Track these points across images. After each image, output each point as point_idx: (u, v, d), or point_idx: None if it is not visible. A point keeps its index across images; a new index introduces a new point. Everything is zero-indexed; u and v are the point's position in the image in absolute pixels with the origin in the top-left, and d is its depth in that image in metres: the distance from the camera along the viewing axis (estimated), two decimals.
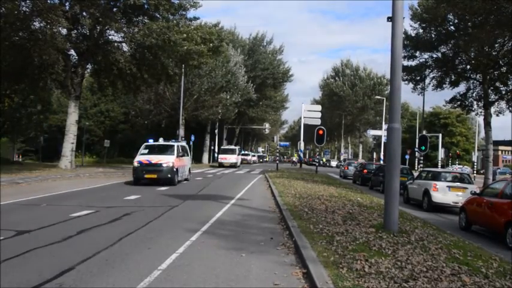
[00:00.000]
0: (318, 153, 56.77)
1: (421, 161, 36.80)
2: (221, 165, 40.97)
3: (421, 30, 26.48)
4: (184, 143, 23.26)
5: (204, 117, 45.28)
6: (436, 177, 15.87)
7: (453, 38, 25.13)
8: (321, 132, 29.26)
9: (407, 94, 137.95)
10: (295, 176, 25.84)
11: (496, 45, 23.79)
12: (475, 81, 26.52)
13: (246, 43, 57.11)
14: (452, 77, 27.16)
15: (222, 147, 47.67)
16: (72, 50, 26.61)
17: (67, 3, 24.59)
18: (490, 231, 10.34)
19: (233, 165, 41.10)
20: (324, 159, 68.43)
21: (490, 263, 6.34)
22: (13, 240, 7.28)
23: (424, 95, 31.71)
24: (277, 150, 50.03)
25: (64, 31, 23.90)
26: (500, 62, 24.53)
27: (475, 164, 47.23)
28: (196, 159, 47.45)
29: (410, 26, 28.05)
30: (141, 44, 25.06)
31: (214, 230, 8.59)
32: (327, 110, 59.91)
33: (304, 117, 30.63)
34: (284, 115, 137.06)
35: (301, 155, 41.91)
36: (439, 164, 39.52)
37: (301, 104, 32.33)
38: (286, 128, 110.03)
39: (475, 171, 43.38)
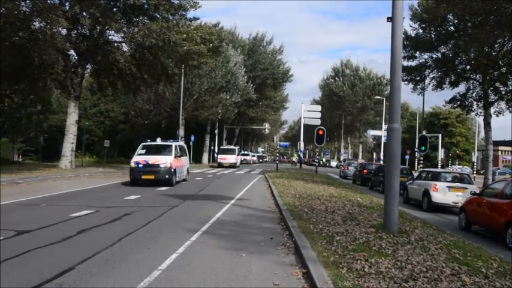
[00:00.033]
0: (317, 154, 56.79)
1: (421, 161, 36.80)
2: (220, 165, 40.83)
3: (421, 31, 26.48)
4: (182, 143, 23.02)
5: (204, 117, 45.27)
6: (436, 177, 15.88)
7: (453, 38, 25.13)
8: (320, 132, 29.27)
9: (407, 94, 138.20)
10: (295, 176, 25.84)
11: (496, 45, 23.79)
12: (474, 82, 26.53)
13: (246, 43, 57.12)
14: (452, 77, 27.17)
15: (221, 147, 47.62)
16: (72, 50, 26.61)
17: (67, 3, 24.59)
18: (490, 231, 10.35)
19: (232, 166, 40.99)
20: (324, 160, 68.43)
21: (490, 263, 6.34)
22: (13, 240, 7.28)
23: (424, 95, 31.76)
24: (277, 151, 50.02)
25: (64, 31, 23.89)
26: (500, 62, 24.53)
27: (475, 164, 47.25)
28: (196, 159, 47.47)
29: (410, 26, 28.11)
30: (141, 44, 25.06)
31: (214, 230, 8.59)
32: (327, 110, 59.94)
33: (304, 118, 30.61)
34: (284, 115, 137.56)
35: (301, 155, 41.89)
36: (439, 164, 39.52)
37: (301, 104, 32.35)
38: (286, 128, 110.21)
39: (474, 172, 43.39)
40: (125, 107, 51.09)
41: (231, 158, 41.80)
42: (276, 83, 61.63)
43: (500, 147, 70.38)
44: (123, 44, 26.90)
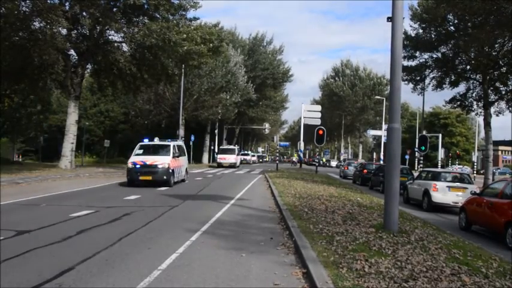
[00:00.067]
0: (317, 153, 56.81)
1: (421, 161, 36.82)
2: (220, 165, 40.72)
3: (421, 31, 26.48)
4: (181, 142, 22.71)
5: (204, 117, 45.27)
6: (436, 177, 15.88)
7: (453, 38, 25.13)
8: (320, 132, 29.27)
9: (407, 94, 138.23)
10: (295, 176, 25.84)
11: (496, 45, 23.78)
12: (475, 82, 26.53)
13: (246, 43, 57.12)
14: (452, 77, 27.17)
15: (220, 147, 47.57)
16: (72, 50, 26.60)
17: (67, 3, 24.58)
18: (490, 231, 10.35)
19: (232, 166, 40.92)
20: (324, 159, 68.43)
21: (490, 263, 6.34)
22: (13, 240, 7.28)
23: (424, 95, 31.78)
24: (277, 150, 50.02)
25: (64, 31, 23.88)
26: (500, 62, 24.53)
27: (475, 164, 47.24)
28: (196, 159, 47.47)
29: (410, 26, 28.12)
30: (141, 44, 25.05)
31: (214, 230, 8.59)
32: (327, 110, 59.94)
33: (304, 117, 30.62)
34: (284, 115, 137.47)
35: (301, 155, 41.90)
36: (439, 164, 39.52)
37: (301, 104, 32.36)
38: (286, 128, 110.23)
39: (475, 172, 43.38)
40: (125, 107, 51.09)
41: (230, 158, 41.72)
42: (276, 83, 61.64)
43: (500, 147, 70.39)
44: (123, 44, 26.90)
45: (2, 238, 7.22)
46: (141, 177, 17.20)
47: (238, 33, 57.98)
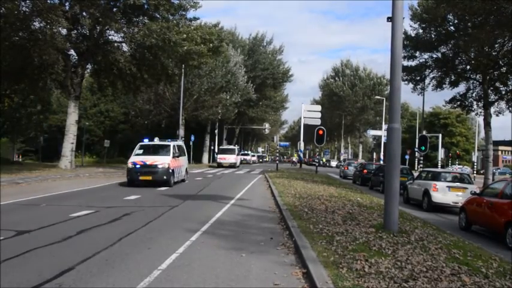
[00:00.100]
0: (317, 153, 56.81)
1: (421, 161, 36.81)
2: (220, 165, 40.70)
3: (421, 31, 26.47)
4: (181, 142, 22.65)
5: (204, 117, 45.27)
6: (436, 177, 15.88)
7: (453, 38, 25.13)
8: (320, 132, 29.27)
9: (407, 94, 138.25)
10: (295, 176, 25.84)
11: (496, 45, 23.78)
12: (474, 82, 26.53)
13: (246, 43, 57.13)
14: (452, 77, 27.16)
15: (220, 147, 47.57)
16: (72, 50, 26.60)
17: (67, 3, 24.59)
18: (490, 231, 10.35)
19: (232, 166, 40.90)
20: (324, 160, 68.43)
21: (490, 263, 6.34)
22: (13, 240, 7.28)
23: (424, 95, 31.77)
24: (277, 150, 50.04)
25: (64, 31, 23.88)
26: (500, 62, 24.53)
27: (475, 164, 47.24)
28: (196, 159, 47.48)
29: (410, 26, 28.11)
30: (141, 44, 25.05)
31: (214, 230, 8.59)
32: (327, 110, 59.94)
33: (304, 118, 30.62)
34: (284, 115, 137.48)
35: (301, 155, 41.89)
36: (439, 164, 39.52)
37: (301, 104, 32.35)
38: (286, 128, 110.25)
39: (475, 172, 43.38)
40: (125, 107, 51.10)
41: (230, 158, 41.70)
42: (276, 83, 61.65)
43: (500, 147, 70.39)
44: (123, 44, 26.90)
45: (2, 238, 7.22)
46: (141, 177, 17.17)
47: (238, 33, 58.11)
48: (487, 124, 24.77)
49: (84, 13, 24.28)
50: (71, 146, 25.92)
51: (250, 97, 51.27)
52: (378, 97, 56.23)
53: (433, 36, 26.17)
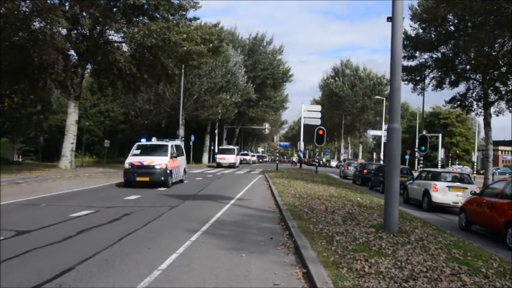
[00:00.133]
0: (317, 154, 56.81)
1: (421, 161, 36.80)
2: (219, 165, 40.65)
3: (421, 31, 26.46)
4: (179, 142, 22.36)
5: (204, 117, 45.28)
6: (436, 177, 15.89)
7: (453, 38, 25.12)
8: (320, 132, 29.28)
9: (407, 94, 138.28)
10: (295, 176, 25.84)
11: (496, 45, 23.77)
12: (474, 82, 26.52)
13: (246, 43, 57.14)
14: (452, 77, 27.16)
15: (220, 147, 47.56)
16: (72, 50, 26.60)
17: (67, 3, 24.59)
18: (490, 231, 10.35)
19: (232, 166, 40.83)
20: (324, 160, 68.45)
21: (490, 263, 6.34)
22: (13, 240, 7.28)
23: (424, 95, 31.77)
24: (277, 151, 50.03)
25: (64, 31, 23.89)
26: (500, 62, 24.52)
27: (475, 164, 47.23)
28: (196, 159, 47.49)
29: (410, 26, 28.09)
30: (141, 44, 25.05)
31: (214, 230, 8.59)
32: (327, 110, 59.95)
33: (304, 118, 30.62)
34: (284, 115, 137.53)
35: (301, 155, 41.89)
36: (439, 164, 39.53)
37: (301, 104, 32.35)
38: (286, 128, 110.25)
39: (474, 172, 43.38)
40: (125, 107, 51.10)
41: (230, 158, 41.66)
42: (276, 83, 61.66)
43: (500, 147, 70.37)
44: (123, 44, 26.91)
45: (2, 238, 7.22)
46: (138, 178, 16.81)
47: (238, 33, 58.13)
48: (487, 124, 24.77)
49: (84, 13, 24.28)
50: (71, 146, 25.92)
51: (250, 97, 51.28)
52: (378, 97, 56.24)
53: (433, 36, 26.17)
